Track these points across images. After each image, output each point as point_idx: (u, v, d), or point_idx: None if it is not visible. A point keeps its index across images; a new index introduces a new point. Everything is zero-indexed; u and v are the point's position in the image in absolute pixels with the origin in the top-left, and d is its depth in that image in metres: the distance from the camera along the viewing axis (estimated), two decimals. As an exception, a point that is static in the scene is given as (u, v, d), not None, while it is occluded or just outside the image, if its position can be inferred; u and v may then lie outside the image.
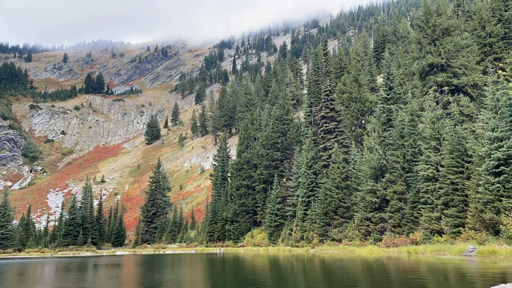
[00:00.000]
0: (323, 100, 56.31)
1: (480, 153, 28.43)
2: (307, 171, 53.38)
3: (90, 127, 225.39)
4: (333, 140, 53.40)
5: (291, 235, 56.09)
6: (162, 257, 45.49)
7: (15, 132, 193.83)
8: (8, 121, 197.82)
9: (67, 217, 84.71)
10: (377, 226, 40.04)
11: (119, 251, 76.44)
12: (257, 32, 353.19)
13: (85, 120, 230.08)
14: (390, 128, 41.67)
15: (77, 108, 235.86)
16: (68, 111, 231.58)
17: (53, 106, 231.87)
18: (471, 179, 29.95)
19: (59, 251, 76.10)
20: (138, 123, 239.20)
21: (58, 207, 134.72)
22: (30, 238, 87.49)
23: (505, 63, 48.47)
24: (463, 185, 30.78)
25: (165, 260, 38.75)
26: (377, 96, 58.49)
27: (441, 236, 31.38)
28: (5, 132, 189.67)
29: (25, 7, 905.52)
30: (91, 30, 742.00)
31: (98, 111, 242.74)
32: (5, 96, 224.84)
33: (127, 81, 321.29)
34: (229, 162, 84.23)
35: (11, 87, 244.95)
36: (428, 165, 33.89)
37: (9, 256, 66.68)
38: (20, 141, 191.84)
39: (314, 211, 49.99)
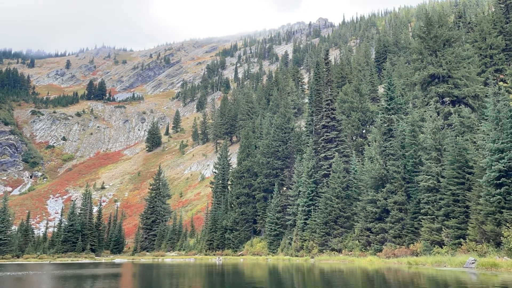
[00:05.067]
0: (324, 109, 56.36)
1: (481, 165, 28.38)
2: (307, 180, 53.25)
3: (91, 134, 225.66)
4: (334, 149, 53.36)
5: (290, 245, 55.79)
6: (161, 267, 45.27)
7: (16, 137, 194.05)
8: (10, 126, 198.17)
9: (66, 223, 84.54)
10: (378, 236, 39.85)
11: (117, 259, 76.06)
12: (259, 41, 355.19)
13: (86, 127, 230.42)
14: (391, 138, 41.65)
15: (78, 114, 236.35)
16: (69, 117, 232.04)
17: (54, 112, 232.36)
18: (472, 190, 29.86)
19: (58, 257, 75.78)
20: (139, 130, 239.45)
21: (57, 213, 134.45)
22: (29, 244, 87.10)
23: (506, 74, 48.58)
24: (464, 196, 30.68)
25: (164, 271, 38.58)
26: (378, 106, 58.62)
27: (442, 248, 31.20)
28: (6, 137, 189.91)
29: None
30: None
31: (99, 117, 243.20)
32: (7, 102, 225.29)
33: (129, 88, 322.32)
34: (230, 170, 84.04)
35: (13, 93, 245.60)
36: (429, 175, 33.82)
37: (7, 262, 66.36)
38: (21, 146, 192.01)
39: (314, 221, 49.77)
